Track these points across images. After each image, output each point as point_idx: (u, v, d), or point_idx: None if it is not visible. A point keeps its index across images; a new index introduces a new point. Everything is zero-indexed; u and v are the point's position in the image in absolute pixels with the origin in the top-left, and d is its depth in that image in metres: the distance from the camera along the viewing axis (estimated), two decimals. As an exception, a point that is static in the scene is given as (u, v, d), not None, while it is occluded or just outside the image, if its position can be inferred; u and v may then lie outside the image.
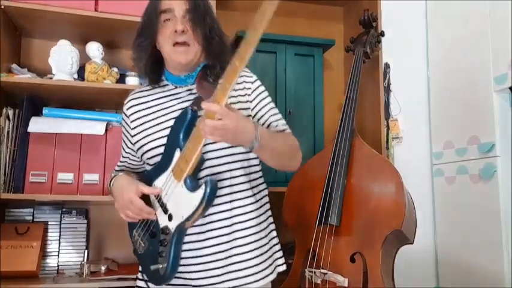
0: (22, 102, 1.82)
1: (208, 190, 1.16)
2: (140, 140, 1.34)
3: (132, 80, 1.94)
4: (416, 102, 2.57)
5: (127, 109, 1.39)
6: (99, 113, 1.95)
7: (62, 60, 1.83)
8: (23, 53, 2.06)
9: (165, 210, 1.25)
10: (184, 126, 1.22)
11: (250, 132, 1.13)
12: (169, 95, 1.35)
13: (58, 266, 1.91)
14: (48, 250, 1.91)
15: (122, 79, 1.96)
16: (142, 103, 1.38)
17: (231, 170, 1.28)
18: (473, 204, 2.17)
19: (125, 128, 1.41)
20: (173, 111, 1.31)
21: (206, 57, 1.31)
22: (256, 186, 1.35)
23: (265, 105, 1.37)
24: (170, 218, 1.24)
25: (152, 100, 1.37)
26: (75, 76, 1.88)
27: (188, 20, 1.25)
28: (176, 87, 1.35)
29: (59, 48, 1.85)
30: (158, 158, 1.30)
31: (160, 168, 1.28)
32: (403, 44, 2.55)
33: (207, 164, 1.25)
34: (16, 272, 1.74)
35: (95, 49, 1.91)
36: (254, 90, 1.35)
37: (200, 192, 1.16)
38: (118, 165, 1.49)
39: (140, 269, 1.37)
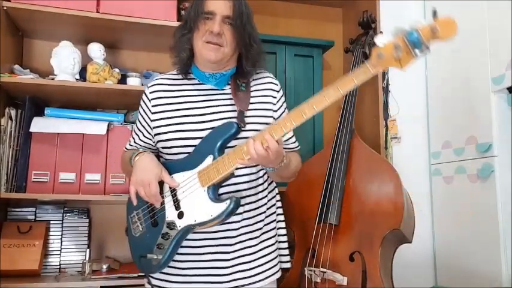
0: (24, 102, 1.83)
1: (230, 207, 1.21)
2: (159, 127, 1.35)
3: (133, 81, 1.95)
4: (414, 102, 2.59)
5: (150, 92, 1.39)
6: (101, 113, 1.96)
7: (63, 61, 1.84)
8: (25, 54, 2.07)
9: (177, 206, 1.28)
10: (225, 137, 1.26)
11: (282, 158, 1.23)
12: (195, 90, 1.37)
13: (60, 264, 1.92)
14: (50, 249, 1.92)
15: (123, 80, 1.97)
16: (166, 90, 1.38)
17: (247, 182, 1.34)
18: (471, 203, 2.18)
19: (144, 111, 1.40)
20: (197, 108, 1.33)
21: (245, 62, 1.35)
22: (262, 192, 1.39)
23: None
24: (180, 215, 1.27)
25: (177, 90, 1.38)
26: (77, 77, 1.89)
27: (228, 24, 1.29)
28: (201, 84, 1.37)
29: (61, 49, 1.87)
30: (176, 151, 1.32)
31: (183, 164, 1.30)
32: (402, 45, 2.56)
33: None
34: (18, 271, 1.75)
35: (96, 50, 1.92)
36: (279, 100, 1.42)
37: (222, 206, 1.21)
38: (130, 145, 1.47)
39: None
